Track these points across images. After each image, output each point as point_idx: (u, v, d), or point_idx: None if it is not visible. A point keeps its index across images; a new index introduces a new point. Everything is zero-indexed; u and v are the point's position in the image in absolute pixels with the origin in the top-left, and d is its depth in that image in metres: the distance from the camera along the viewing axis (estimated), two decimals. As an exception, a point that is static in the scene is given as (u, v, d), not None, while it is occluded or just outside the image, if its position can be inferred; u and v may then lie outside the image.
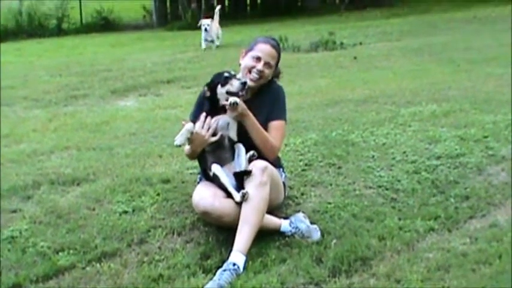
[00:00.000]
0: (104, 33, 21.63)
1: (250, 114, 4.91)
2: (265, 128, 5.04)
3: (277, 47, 5.18)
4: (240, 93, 4.84)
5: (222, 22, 21.78)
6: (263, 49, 5.05)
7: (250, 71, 5.05)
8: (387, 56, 13.01)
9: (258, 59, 5.03)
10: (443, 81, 9.59)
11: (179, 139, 4.82)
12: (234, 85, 4.84)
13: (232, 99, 4.77)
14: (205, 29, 15.55)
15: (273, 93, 5.19)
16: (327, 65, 12.37)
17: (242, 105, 4.83)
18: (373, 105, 8.23)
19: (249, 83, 4.98)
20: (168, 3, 23.53)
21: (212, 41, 15.85)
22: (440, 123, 7.13)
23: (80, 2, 22.87)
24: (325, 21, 20.55)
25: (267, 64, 5.04)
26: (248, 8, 25.41)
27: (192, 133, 4.83)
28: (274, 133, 5.09)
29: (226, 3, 24.62)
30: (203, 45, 15.79)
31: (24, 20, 21.59)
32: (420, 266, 4.32)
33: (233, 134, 4.92)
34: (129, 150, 6.94)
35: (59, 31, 21.89)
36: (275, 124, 5.12)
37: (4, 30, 21.05)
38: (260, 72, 5.03)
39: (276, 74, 5.26)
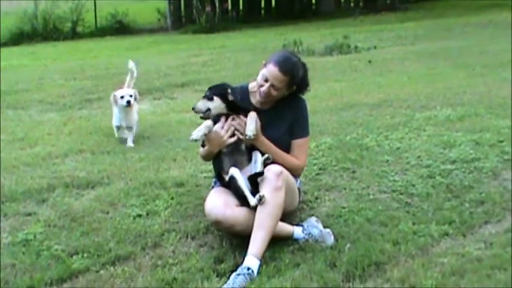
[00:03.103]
0: (118, 36, 21.67)
1: (265, 141, 4.95)
2: (285, 140, 5.09)
3: (288, 70, 4.97)
4: (203, 114, 4.91)
5: (237, 26, 21.88)
6: (271, 72, 4.94)
7: (259, 88, 5.03)
8: (402, 60, 12.96)
9: (266, 80, 4.98)
10: (458, 86, 9.56)
11: (196, 134, 4.81)
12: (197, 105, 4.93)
13: (249, 132, 4.82)
14: (128, 103, 7.56)
15: (295, 108, 5.17)
16: (342, 69, 12.35)
17: (258, 132, 4.89)
18: (388, 109, 8.22)
19: (259, 98, 5.06)
20: (182, 7, 23.52)
21: (130, 128, 7.75)
22: (455, 128, 7.10)
23: (95, 5, 22.92)
24: (339, 25, 20.52)
25: (273, 86, 4.96)
26: (263, 11, 25.37)
27: (210, 130, 4.84)
28: (298, 151, 5.14)
29: (241, 7, 24.61)
30: (129, 141, 7.67)
31: (39, 24, 21.65)
32: (435, 271, 4.29)
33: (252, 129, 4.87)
34: (143, 153, 6.97)
35: (74, 34, 21.95)
36: (299, 142, 5.16)
37: (19, 34, 21.14)
38: (265, 93, 4.99)
39: (300, 89, 5.17)
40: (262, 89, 4.98)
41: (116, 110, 7.73)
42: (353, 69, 12.25)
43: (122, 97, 7.57)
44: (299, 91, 5.17)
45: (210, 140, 4.91)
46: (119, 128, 7.77)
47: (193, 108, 4.93)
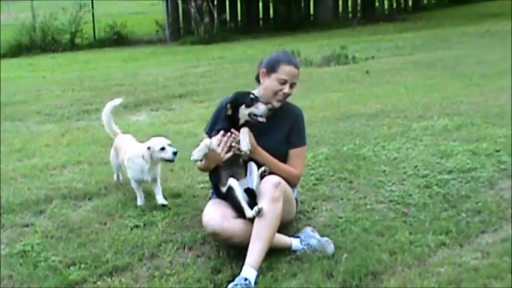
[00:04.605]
0: (116, 48, 21.68)
1: (262, 152, 4.97)
2: (283, 149, 5.12)
3: (298, 64, 5.15)
4: (261, 119, 4.88)
5: (235, 36, 21.91)
6: (288, 71, 5.01)
7: (276, 93, 5.04)
8: (399, 70, 12.98)
9: (284, 82, 5.01)
10: (455, 96, 9.58)
11: (197, 154, 4.83)
12: (260, 109, 4.85)
13: (244, 148, 4.80)
14: (175, 154, 5.69)
15: (292, 117, 5.21)
16: (339, 79, 12.36)
17: (254, 144, 4.90)
18: (385, 120, 8.24)
19: (276, 105, 5.02)
20: (180, 18, 23.51)
21: (155, 180, 5.87)
22: (452, 138, 7.12)
23: (93, 17, 22.94)
24: (337, 35, 20.54)
25: (293, 85, 5.05)
26: (261, 22, 25.36)
27: (209, 149, 4.84)
28: (295, 160, 5.16)
29: (239, 17, 24.63)
30: (140, 202, 5.89)
31: (38, 35, 21.65)
32: (431, 280, 4.30)
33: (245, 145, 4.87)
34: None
35: (72, 46, 21.95)
36: (296, 151, 5.18)
37: (18, 46, 21.15)
38: (288, 94, 5.05)
39: None
40: (285, 90, 5.01)
41: (143, 165, 5.73)
42: (350, 80, 12.25)
43: (163, 149, 5.64)
44: None
45: (208, 157, 4.92)
46: (140, 183, 5.88)
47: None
